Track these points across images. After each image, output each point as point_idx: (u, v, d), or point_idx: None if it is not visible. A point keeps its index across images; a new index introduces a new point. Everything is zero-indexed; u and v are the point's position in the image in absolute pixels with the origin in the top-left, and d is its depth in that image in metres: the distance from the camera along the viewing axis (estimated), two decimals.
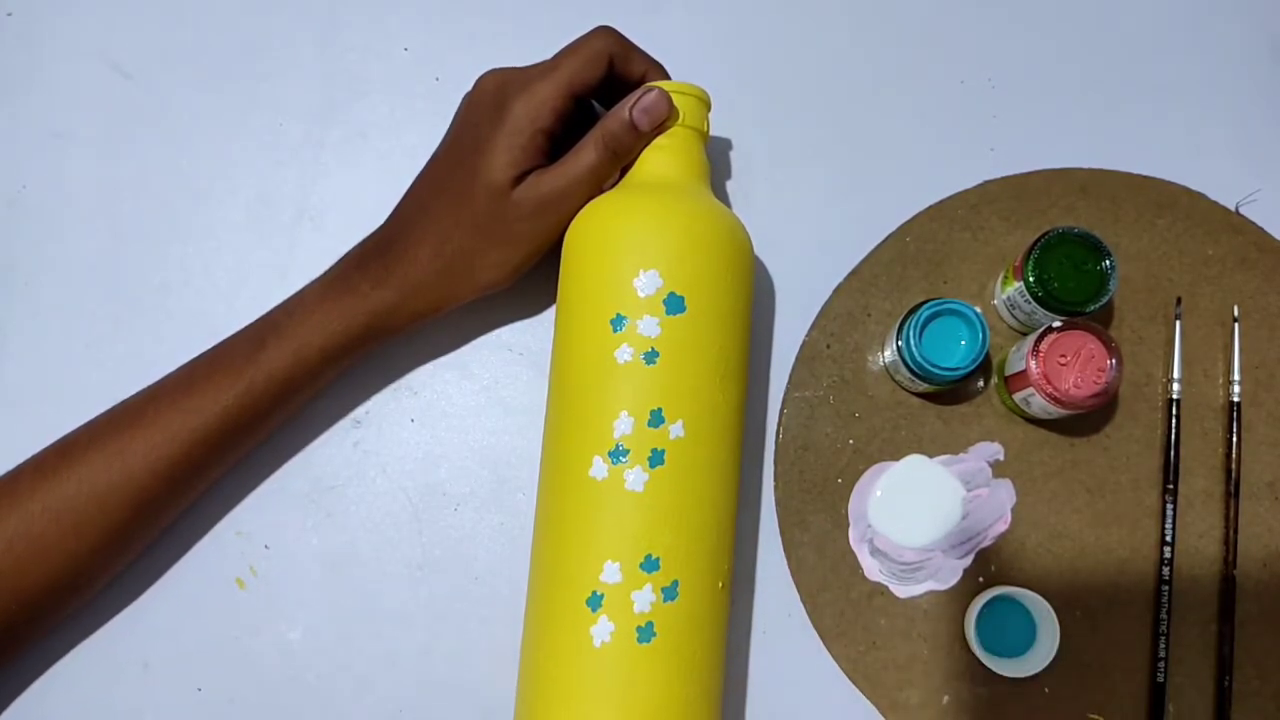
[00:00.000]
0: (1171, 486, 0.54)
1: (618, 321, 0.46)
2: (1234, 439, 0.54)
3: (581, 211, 0.49)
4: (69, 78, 0.59)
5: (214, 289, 0.56)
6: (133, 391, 0.49)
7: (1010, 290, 0.53)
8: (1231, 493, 0.54)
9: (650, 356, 0.45)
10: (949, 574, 0.53)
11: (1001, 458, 0.55)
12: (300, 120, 0.59)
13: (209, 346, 0.50)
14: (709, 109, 0.51)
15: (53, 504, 0.46)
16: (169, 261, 0.57)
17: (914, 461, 0.54)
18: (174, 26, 0.60)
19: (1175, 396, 0.55)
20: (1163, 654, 0.52)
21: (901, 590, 0.53)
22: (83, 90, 0.59)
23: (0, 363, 0.55)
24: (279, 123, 0.58)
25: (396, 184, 0.52)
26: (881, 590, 0.54)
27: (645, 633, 0.44)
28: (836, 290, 0.56)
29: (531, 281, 0.52)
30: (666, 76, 0.52)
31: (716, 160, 0.57)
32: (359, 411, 0.55)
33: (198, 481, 0.49)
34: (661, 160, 0.49)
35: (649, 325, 0.45)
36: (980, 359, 0.50)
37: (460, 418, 0.55)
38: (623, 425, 0.45)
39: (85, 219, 0.57)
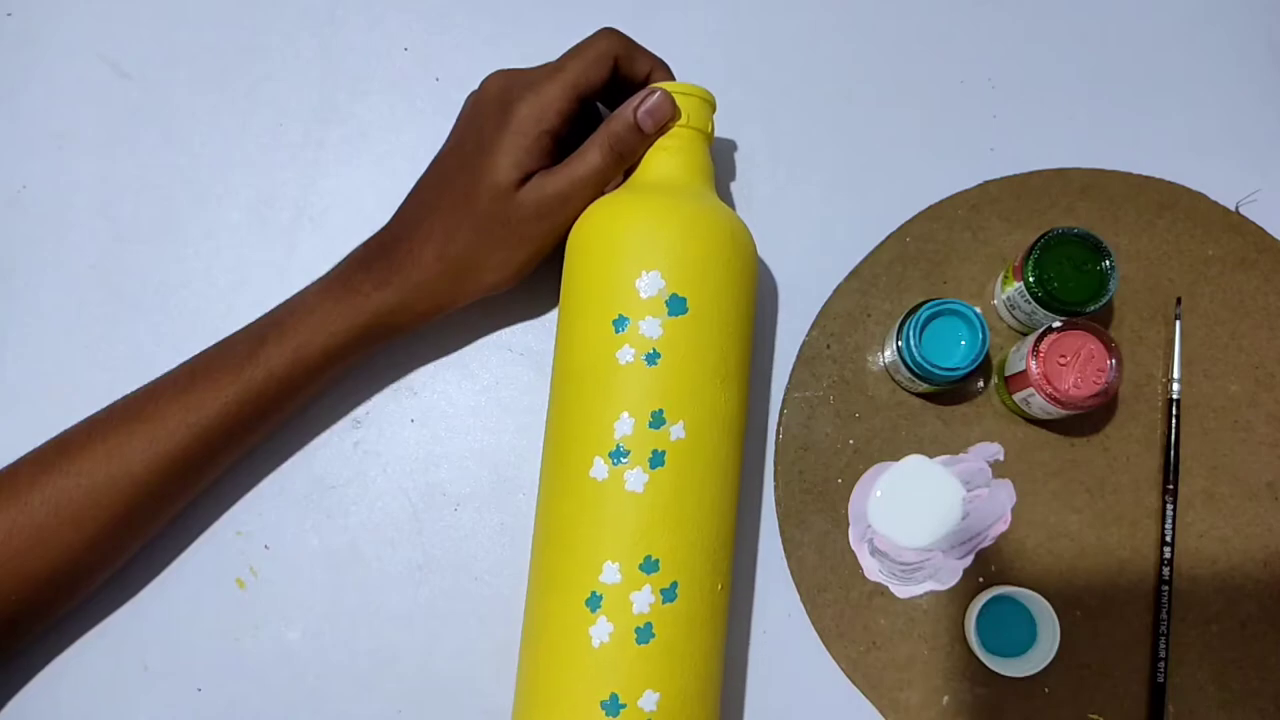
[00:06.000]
0: (1171, 486, 0.54)
1: (620, 322, 0.46)
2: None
3: (585, 213, 0.49)
4: (69, 78, 0.59)
5: (214, 289, 0.56)
6: None
7: (1010, 290, 0.53)
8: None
9: (652, 358, 0.45)
10: (949, 574, 0.54)
11: (1001, 458, 0.55)
12: (300, 120, 0.58)
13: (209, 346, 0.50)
14: (713, 110, 0.51)
15: (51, 496, 0.46)
16: (169, 261, 0.57)
17: (914, 462, 0.54)
18: (174, 26, 0.60)
19: (1175, 396, 0.55)
20: (1163, 654, 0.52)
21: (901, 590, 0.53)
22: (83, 90, 0.59)
23: (0, 363, 0.55)
24: (279, 123, 0.58)
25: (396, 184, 0.52)
26: (881, 590, 0.54)
27: (644, 633, 0.44)
28: (836, 290, 0.56)
29: (533, 282, 0.52)
30: (672, 77, 0.52)
31: (718, 160, 0.57)
32: (359, 411, 0.55)
33: (197, 478, 0.49)
34: (665, 161, 0.49)
35: (651, 326, 0.45)
36: (980, 359, 0.50)
37: (460, 418, 0.55)
38: (623, 426, 0.45)
39: (85, 219, 0.57)
